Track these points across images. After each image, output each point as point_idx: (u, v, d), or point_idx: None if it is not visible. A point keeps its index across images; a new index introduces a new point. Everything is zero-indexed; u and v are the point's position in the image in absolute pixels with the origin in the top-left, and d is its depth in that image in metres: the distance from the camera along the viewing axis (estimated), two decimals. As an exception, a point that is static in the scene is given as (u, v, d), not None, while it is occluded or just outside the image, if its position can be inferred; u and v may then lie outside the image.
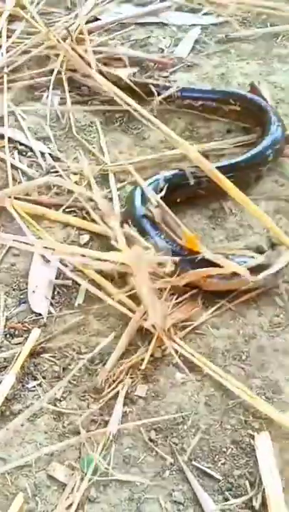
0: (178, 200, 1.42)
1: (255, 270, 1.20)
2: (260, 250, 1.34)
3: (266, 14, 2.15)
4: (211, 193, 1.42)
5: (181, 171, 1.44)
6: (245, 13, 2.16)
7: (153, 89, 1.69)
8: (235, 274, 1.19)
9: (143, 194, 1.35)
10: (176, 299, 1.21)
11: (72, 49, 1.83)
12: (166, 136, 1.52)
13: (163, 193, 1.34)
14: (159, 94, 1.68)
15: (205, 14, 2.15)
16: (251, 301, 1.24)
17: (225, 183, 1.32)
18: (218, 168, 1.27)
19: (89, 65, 1.76)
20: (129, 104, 1.56)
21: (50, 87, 1.78)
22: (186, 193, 1.43)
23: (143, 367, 1.09)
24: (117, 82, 1.71)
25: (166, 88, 1.69)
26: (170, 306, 1.18)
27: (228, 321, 1.20)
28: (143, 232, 1.27)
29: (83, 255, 1.24)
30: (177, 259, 1.20)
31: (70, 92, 1.80)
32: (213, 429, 1.04)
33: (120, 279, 1.25)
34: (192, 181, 1.41)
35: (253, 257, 1.25)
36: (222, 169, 1.28)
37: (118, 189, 1.50)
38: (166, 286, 1.18)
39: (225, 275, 1.19)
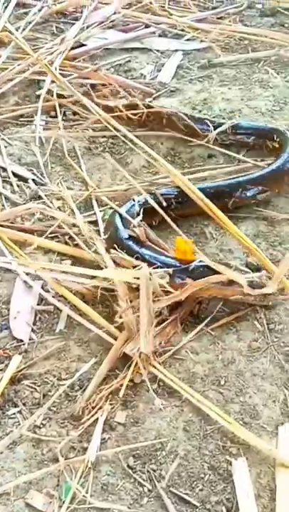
0: (153, 223, 1.45)
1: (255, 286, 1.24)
2: (249, 267, 1.38)
3: (248, 40, 2.20)
4: (180, 215, 1.47)
5: (152, 195, 1.47)
6: (227, 39, 2.22)
7: (210, 124, 1.71)
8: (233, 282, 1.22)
9: (123, 218, 1.38)
10: (157, 324, 1.22)
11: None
12: (153, 161, 1.55)
13: (140, 217, 1.37)
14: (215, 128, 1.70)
15: (188, 40, 2.20)
16: (230, 325, 1.25)
17: (209, 206, 1.35)
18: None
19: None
20: (117, 130, 1.59)
21: (39, 113, 1.81)
22: (159, 215, 1.45)
23: (121, 394, 1.10)
24: (172, 118, 1.74)
25: (220, 124, 1.71)
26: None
27: (208, 345, 1.22)
28: (131, 253, 1.29)
29: (77, 273, 1.26)
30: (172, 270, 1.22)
31: (54, 117, 1.83)
32: (192, 455, 1.05)
33: (102, 303, 1.27)
34: (164, 203, 1.45)
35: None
36: None
37: (101, 211, 1.52)
38: (170, 302, 1.19)
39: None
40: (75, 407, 1.09)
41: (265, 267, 1.30)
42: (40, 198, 1.54)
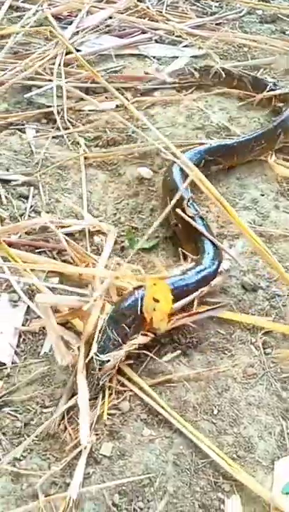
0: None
1: None
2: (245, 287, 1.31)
3: (247, 46, 2.14)
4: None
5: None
6: (226, 46, 2.15)
7: (269, 84, 1.84)
8: None
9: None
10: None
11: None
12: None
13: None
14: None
15: (185, 46, 2.13)
16: (225, 349, 1.19)
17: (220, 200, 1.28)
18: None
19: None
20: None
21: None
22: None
23: (105, 418, 1.04)
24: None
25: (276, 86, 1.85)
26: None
27: (201, 371, 1.15)
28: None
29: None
30: None
31: (46, 124, 1.77)
32: (182, 491, 0.98)
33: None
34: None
35: None
36: None
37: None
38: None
39: None
40: (49, 424, 1.03)
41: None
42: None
